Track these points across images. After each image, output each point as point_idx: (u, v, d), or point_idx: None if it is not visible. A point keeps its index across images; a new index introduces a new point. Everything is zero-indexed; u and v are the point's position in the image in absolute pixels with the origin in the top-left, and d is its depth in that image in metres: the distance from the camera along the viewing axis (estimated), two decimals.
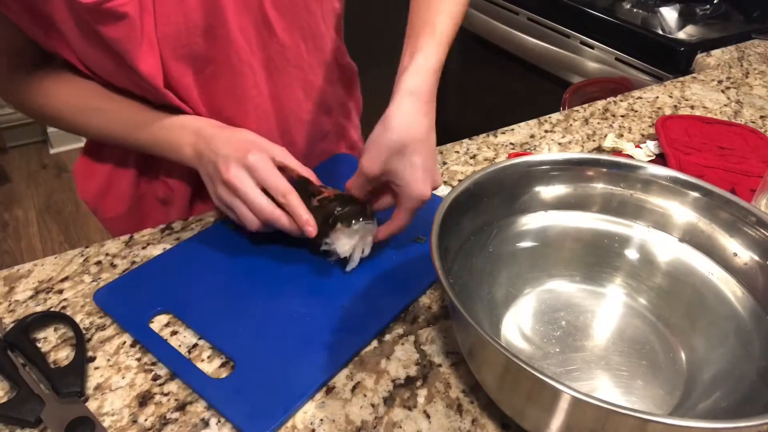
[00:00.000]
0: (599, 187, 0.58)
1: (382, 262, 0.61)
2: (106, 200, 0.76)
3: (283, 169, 0.59)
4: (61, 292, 0.57)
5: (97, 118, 0.66)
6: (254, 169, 0.57)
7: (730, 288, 0.52)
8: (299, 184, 0.59)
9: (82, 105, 0.65)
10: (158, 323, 0.54)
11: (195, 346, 0.52)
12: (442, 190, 0.73)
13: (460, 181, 0.52)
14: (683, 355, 0.51)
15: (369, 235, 0.59)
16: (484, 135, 0.85)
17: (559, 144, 0.84)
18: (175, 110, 0.64)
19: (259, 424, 0.46)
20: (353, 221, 0.57)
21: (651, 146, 0.82)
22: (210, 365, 0.51)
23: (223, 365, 0.51)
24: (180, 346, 0.52)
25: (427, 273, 0.60)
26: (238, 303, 0.56)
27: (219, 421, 0.46)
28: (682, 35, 1.33)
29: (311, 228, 0.56)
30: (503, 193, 0.56)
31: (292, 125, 0.75)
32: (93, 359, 0.51)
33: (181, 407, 0.47)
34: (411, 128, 0.55)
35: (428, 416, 0.48)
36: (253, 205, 0.57)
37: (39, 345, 0.52)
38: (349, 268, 0.59)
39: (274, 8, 0.65)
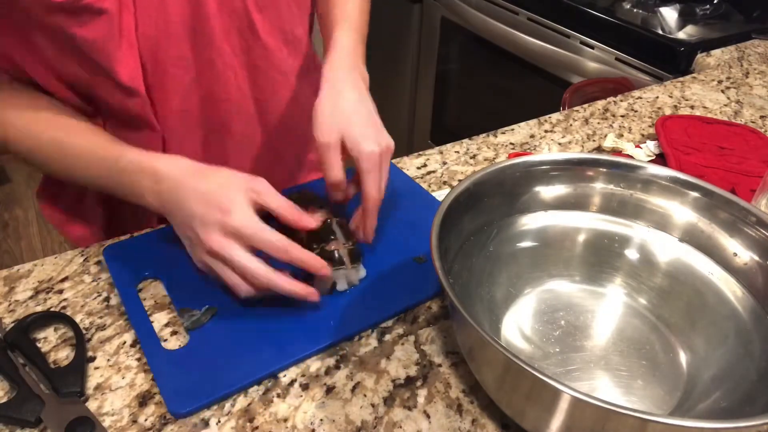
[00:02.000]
0: (599, 187, 0.58)
1: (375, 273, 0.59)
2: (73, 223, 0.75)
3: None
4: (61, 292, 0.57)
5: (56, 151, 0.59)
6: (241, 234, 0.50)
7: (730, 288, 0.52)
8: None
9: (42, 137, 0.59)
10: (158, 323, 0.54)
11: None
12: (442, 191, 0.73)
13: (460, 181, 0.52)
14: (683, 355, 0.51)
15: (355, 274, 0.57)
16: (484, 135, 0.85)
17: (559, 144, 0.84)
18: (145, 132, 0.62)
19: (181, 402, 0.46)
20: (336, 266, 0.55)
21: (651, 146, 0.82)
22: (178, 340, 0.51)
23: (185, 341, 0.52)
24: (178, 345, 0.52)
25: (423, 290, 0.58)
26: (216, 286, 0.56)
27: (219, 422, 0.46)
28: (682, 35, 1.34)
29: (326, 271, 0.53)
30: (503, 193, 0.56)
31: (278, 133, 0.74)
32: (93, 359, 0.51)
33: None
34: (343, 98, 0.57)
35: (428, 416, 0.48)
36: (245, 273, 0.51)
37: (39, 345, 0.52)
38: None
39: (257, 10, 0.64)
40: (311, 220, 0.55)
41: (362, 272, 0.58)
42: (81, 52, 0.55)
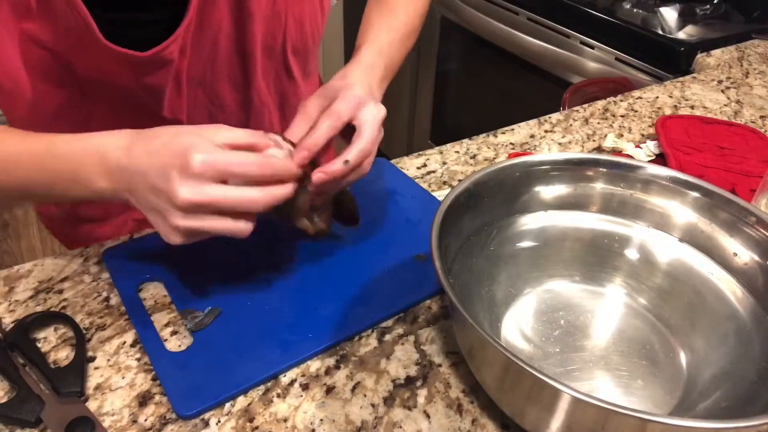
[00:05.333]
0: (599, 187, 0.58)
1: (375, 273, 0.59)
2: (66, 232, 0.75)
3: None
4: (61, 292, 0.57)
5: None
6: (211, 167, 0.43)
7: (730, 288, 0.52)
8: None
9: None
10: (158, 323, 0.54)
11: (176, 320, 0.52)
12: (442, 191, 0.73)
13: (460, 181, 0.52)
14: (683, 355, 0.51)
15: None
16: (484, 135, 0.85)
17: (559, 144, 0.84)
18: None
19: (187, 404, 0.46)
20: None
21: (651, 146, 0.82)
22: (180, 341, 0.51)
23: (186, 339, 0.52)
24: (174, 338, 0.52)
25: (423, 289, 0.58)
26: (221, 285, 0.57)
27: (219, 422, 0.46)
28: (682, 35, 1.34)
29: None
30: (503, 193, 0.56)
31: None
32: (93, 359, 0.51)
33: None
34: (365, 92, 0.56)
35: (428, 416, 0.48)
36: (239, 204, 0.45)
37: (39, 345, 0.52)
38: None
39: (293, 54, 0.68)
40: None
41: None
42: (132, 93, 0.56)
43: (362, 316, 0.55)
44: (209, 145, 0.44)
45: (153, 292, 0.57)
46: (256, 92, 0.67)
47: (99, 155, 0.46)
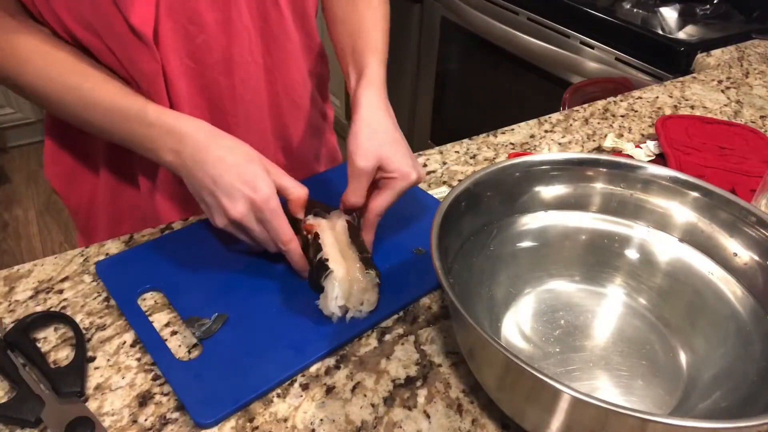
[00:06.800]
0: (599, 187, 0.58)
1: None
2: (73, 186, 0.73)
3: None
4: (61, 292, 0.57)
5: (74, 95, 0.58)
6: (261, 211, 0.53)
7: (730, 288, 0.52)
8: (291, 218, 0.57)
9: (60, 80, 0.58)
10: (158, 323, 0.54)
11: (181, 329, 0.52)
12: (442, 191, 0.73)
13: (460, 181, 0.52)
14: (683, 356, 0.51)
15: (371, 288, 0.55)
16: (484, 135, 0.85)
17: (559, 144, 0.84)
18: (154, 87, 0.61)
19: (207, 412, 0.46)
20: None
21: (651, 146, 0.82)
22: (186, 349, 0.51)
23: (197, 350, 0.51)
24: (179, 346, 0.52)
25: (422, 284, 0.59)
26: (223, 291, 0.57)
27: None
28: (682, 35, 1.34)
29: (305, 274, 0.58)
30: (503, 193, 0.56)
31: (284, 109, 0.74)
32: (93, 359, 0.51)
33: (181, 407, 0.47)
34: (382, 125, 0.59)
35: (428, 416, 0.48)
36: (258, 241, 0.56)
37: (39, 345, 0.52)
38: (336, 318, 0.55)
39: None
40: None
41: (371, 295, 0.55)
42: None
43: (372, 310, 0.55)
44: (272, 187, 0.54)
45: (152, 292, 0.57)
46: (236, 11, 0.63)
47: (178, 139, 0.55)
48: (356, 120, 0.58)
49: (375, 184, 0.59)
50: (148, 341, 0.52)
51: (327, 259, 0.54)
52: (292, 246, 0.55)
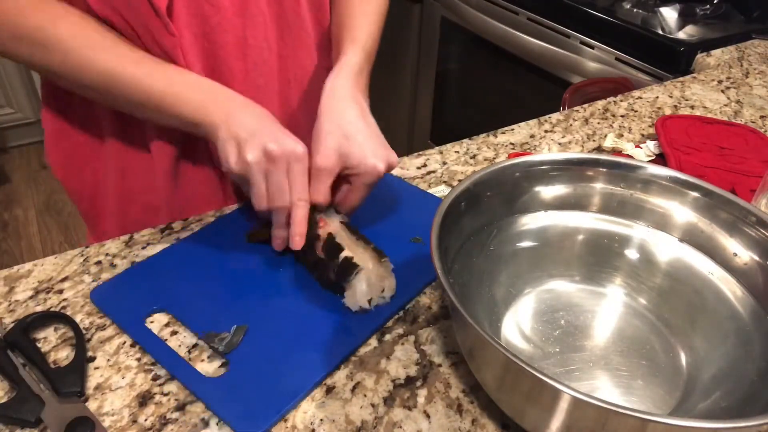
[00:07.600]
0: (599, 187, 0.58)
1: None
2: (75, 164, 0.71)
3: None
4: (61, 292, 0.57)
5: (107, 54, 0.56)
6: (295, 160, 0.54)
7: (730, 288, 0.52)
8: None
9: (92, 38, 0.56)
10: (158, 323, 0.54)
11: (195, 346, 0.52)
12: (442, 191, 0.73)
13: (460, 181, 0.52)
14: (683, 355, 0.51)
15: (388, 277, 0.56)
16: (484, 135, 0.85)
17: (559, 144, 0.84)
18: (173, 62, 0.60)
19: (252, 424, 0.46)
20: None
21: (651, 146, 0.82)
22: (210, 365, 0.51)
23: (223, 365, 0.51)
24: (180, 346, 0.52)
25: (425, 273, 0.60)
26: (234, 302, 0.56)
27: (219, 421, 0.46)
28: (682, 35, 1.33)
29: (298, 239, 0.56)
30: (503, 193, 0.56)
31: (294, 98, 0.73)
32: (93, 359, 0.51)
33: (181, 407, 0.47)
34: (345, 115, 0.58)
35: (428, 416, 0.48)
36: (273, 186, 0.55)
37: (39, 345, 0.52)
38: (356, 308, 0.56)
39: None
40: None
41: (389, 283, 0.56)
42: None
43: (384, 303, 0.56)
44: (306, 149, 0.56)
45: (158, 314, 0.57)
46: None
47: (231, 93, 0.58)
48: (318, 114, 0.58)
49: (345, 179, 0.59)
50: (171, 364, 0.50)
51: (352, 257, 0.55)
52: (302, 203, 0.55)
